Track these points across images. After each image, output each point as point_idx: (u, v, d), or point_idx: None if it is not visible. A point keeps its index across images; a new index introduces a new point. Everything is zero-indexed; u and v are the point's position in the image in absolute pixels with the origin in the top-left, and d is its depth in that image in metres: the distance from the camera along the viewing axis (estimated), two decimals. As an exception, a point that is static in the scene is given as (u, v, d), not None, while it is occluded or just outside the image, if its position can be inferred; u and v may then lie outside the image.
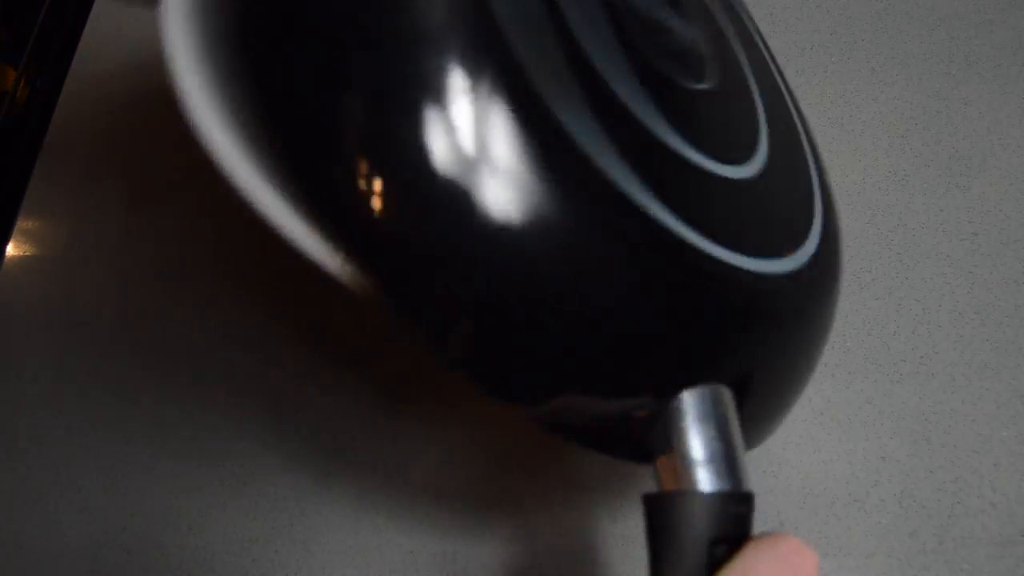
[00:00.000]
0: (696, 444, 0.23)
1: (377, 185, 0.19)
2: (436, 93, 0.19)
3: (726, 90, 0.30)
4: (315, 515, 0.40)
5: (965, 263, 0.49)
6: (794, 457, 0.43)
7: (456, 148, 0.19)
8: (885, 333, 0.47)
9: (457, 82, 0.19)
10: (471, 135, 0.19)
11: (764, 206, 0.29)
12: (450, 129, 0.19)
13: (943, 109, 0.55)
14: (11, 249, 0.50)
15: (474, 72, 0.20)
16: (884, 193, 0.52)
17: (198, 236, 0.48)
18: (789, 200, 0.32)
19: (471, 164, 0.19)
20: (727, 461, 0.23)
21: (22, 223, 0.49)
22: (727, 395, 0.24)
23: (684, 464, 0.23)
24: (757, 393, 0.26)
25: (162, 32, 0.19)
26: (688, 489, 0.23)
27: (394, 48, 0.19)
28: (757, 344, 0.26)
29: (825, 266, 0.33)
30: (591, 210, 0.21)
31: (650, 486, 0.24)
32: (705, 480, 0.23)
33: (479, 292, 0.20)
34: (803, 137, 0.36)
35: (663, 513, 0.23)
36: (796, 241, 0.30)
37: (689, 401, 0.23)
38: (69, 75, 0.55)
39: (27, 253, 0.50)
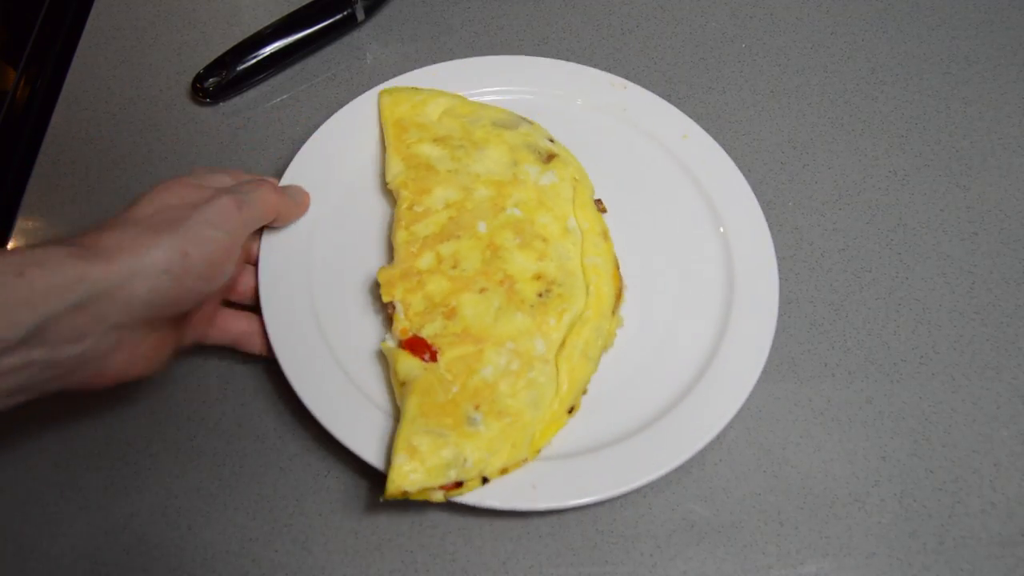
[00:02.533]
0: None
1: None
2: None
3: None
4: (315, 515, 0.40)
5: (965, 263, 0.49)
6: (794, 457, 0.43)
7: None
8: (885, 333, 0.47)
9: None
10: None
11: None
12: None
13: (943, 109, 0.55)
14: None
15: None
16: (884, 193, 0.52)
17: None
18: None
19: None
20: None
21: (22, 223, 0.49)
22: None
23: None
24: None
25: None
26: None
27: None
28: None
29: None
30: None
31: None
32: None
33: None
34: None
35: None
36: None
37: None
38: (69, 75, 0.55)
39: (27, 253, 0.50)
